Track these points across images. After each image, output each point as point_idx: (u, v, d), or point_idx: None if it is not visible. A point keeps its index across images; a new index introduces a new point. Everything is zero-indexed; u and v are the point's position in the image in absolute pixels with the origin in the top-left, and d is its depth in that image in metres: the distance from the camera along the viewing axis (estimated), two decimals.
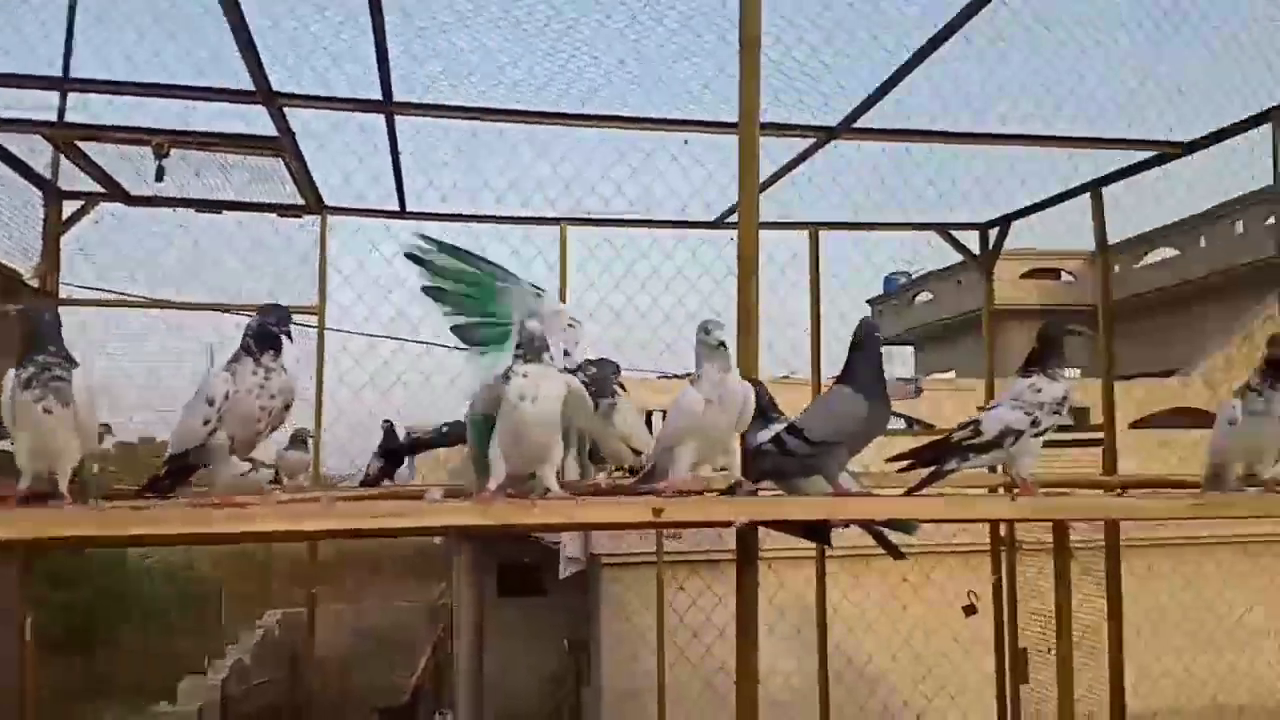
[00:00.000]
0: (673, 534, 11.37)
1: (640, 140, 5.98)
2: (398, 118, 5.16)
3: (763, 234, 6.88)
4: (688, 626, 9.72)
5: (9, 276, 5.18)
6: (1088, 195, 6.01)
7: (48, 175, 5.44)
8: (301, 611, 21.54)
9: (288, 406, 3.07)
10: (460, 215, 6.26)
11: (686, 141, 5.49)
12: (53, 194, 5.50)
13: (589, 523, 3.18)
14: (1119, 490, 5.18)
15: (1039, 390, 2.98)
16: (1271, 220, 18.79)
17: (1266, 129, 4.85)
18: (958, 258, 6.92)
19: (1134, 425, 12.69)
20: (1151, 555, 9.64)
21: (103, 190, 5.56)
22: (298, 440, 5.63)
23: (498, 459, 2.84)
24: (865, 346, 3.00)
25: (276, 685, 18.58)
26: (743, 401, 2.93)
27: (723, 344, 2.92)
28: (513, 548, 12.72)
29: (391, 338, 6.38)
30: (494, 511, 2.58)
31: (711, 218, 6.50)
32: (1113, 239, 6.18)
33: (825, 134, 5.23)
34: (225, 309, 5.90)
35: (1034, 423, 2.95)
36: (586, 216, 6.38)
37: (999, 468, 3.93)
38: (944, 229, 6.64)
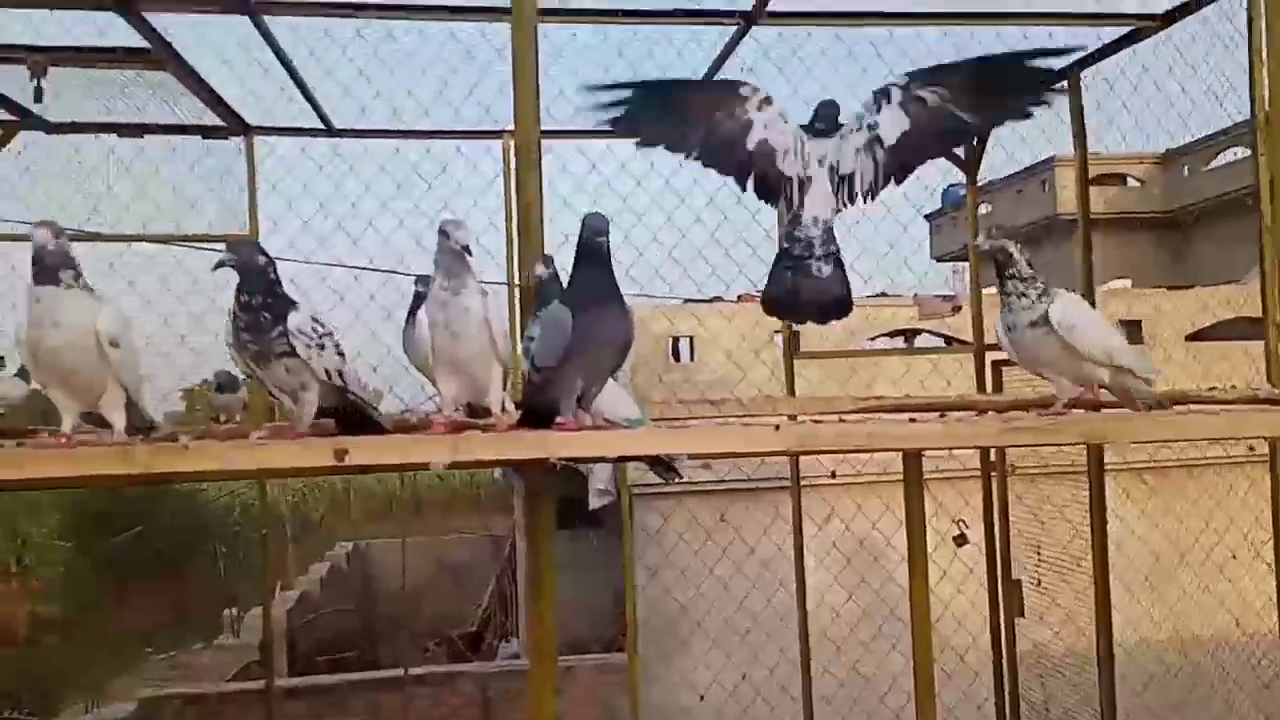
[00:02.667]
0: (704, 464, 11.07)
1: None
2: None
3: None
4: (729, 557, 9.33)
5: None
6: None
7: None
8: (368, 544, 21.82)
9: None
10: (396, 131, 5.95)
11: None
12: None
13: (263, 468, 2.82)
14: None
15: None
16: None
17: None
18: (1016, 166, 6.52)
19: (1190, 338, 11.78)
20: None
21: (16, 118, 5.37)
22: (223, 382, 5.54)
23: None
24: (583, 252, 2.48)
25: (343, 615, 18.92)
26: (478, 323, 2.42)
27: (466, 249, 2.39)
28: (568, 481, 12.52)
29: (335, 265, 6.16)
30: (137, 457, 2.11)
31: None
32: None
33: (744, 18, 4.73)
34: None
35: None
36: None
37: None
38: None
